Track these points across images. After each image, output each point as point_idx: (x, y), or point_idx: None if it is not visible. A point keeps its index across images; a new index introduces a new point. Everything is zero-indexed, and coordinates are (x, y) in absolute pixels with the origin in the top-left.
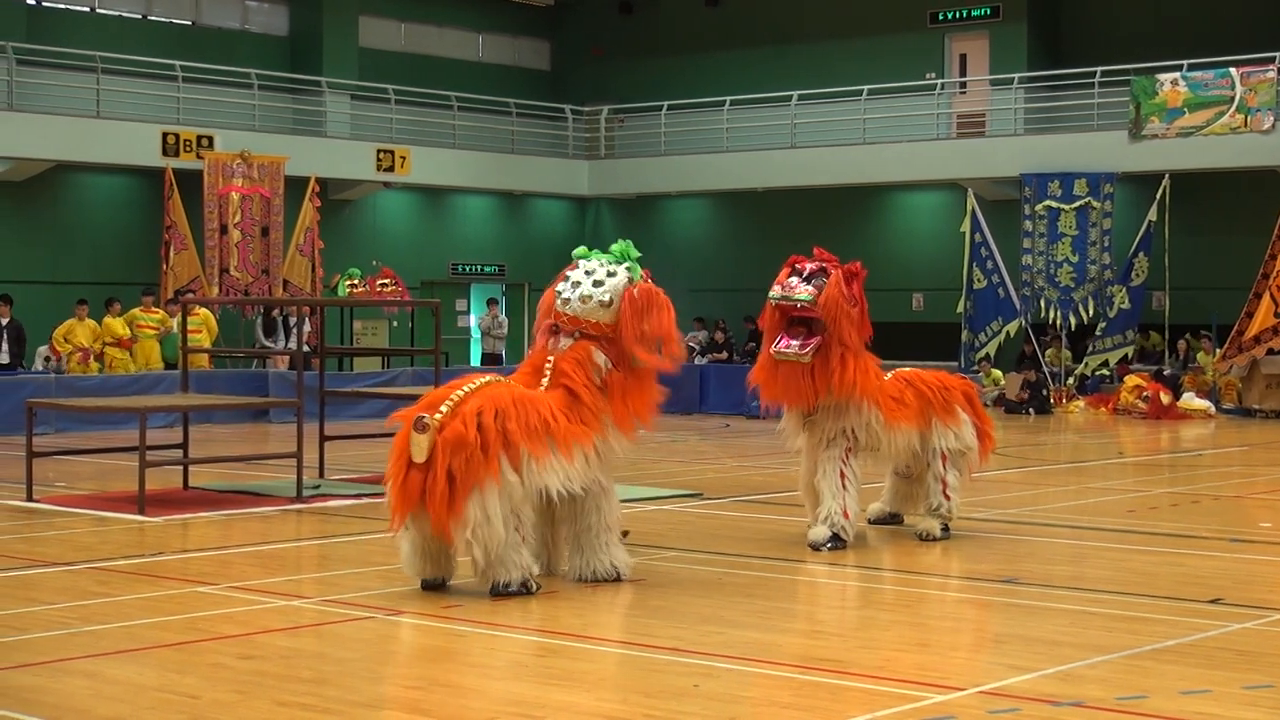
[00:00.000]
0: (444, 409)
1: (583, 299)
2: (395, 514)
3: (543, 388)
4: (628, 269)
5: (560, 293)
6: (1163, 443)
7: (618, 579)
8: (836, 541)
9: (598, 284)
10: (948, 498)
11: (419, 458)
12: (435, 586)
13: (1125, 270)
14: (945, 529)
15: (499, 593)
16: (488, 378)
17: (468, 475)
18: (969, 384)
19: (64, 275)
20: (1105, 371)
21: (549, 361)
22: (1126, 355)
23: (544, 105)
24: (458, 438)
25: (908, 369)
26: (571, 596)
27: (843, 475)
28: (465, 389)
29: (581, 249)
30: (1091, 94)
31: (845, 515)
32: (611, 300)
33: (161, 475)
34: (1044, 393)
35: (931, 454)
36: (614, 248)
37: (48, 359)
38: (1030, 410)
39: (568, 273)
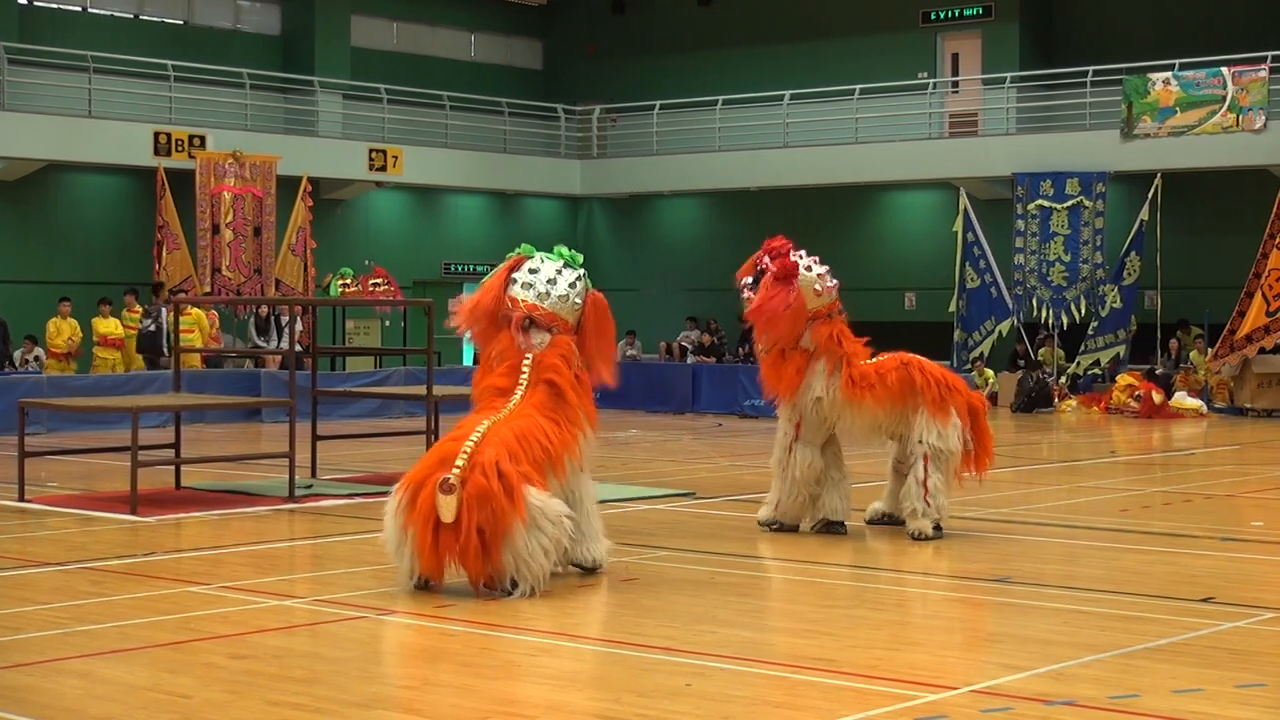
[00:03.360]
0: (460, 463)
1: (561, 298)
2: (426, 573)
3: (521, 386)
4: (583, 275)
5: (530, 284)
6: (1155, 442)
7: (595, 569)
8: (775, 525)
9: (572, 285)
10: (928, 503)
11: (448, 518)
12: (423, 587)
13: (1117, 270)
14: (938, 528)
15: (508, 593)
16: (485, 424)
17: (496, 527)
18: (979, 397)
19: (56, 275)
20: (1097, 371)
21: (526, 359)
22: (1118, 355)
23: (536, 105)
24: (481, 492)
25: (918, 357)
26: (564, 596)
27: (784, 463)
28: (474, 438)
29: (527, 246)
30: (1084, 93)
31: (775, 508)
32: (580, 303)
33: (154, 475)
34: (1044, 383)
35: (912, 454)
36: (561, 251)
37: (28, 360)
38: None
39: (526, 265)
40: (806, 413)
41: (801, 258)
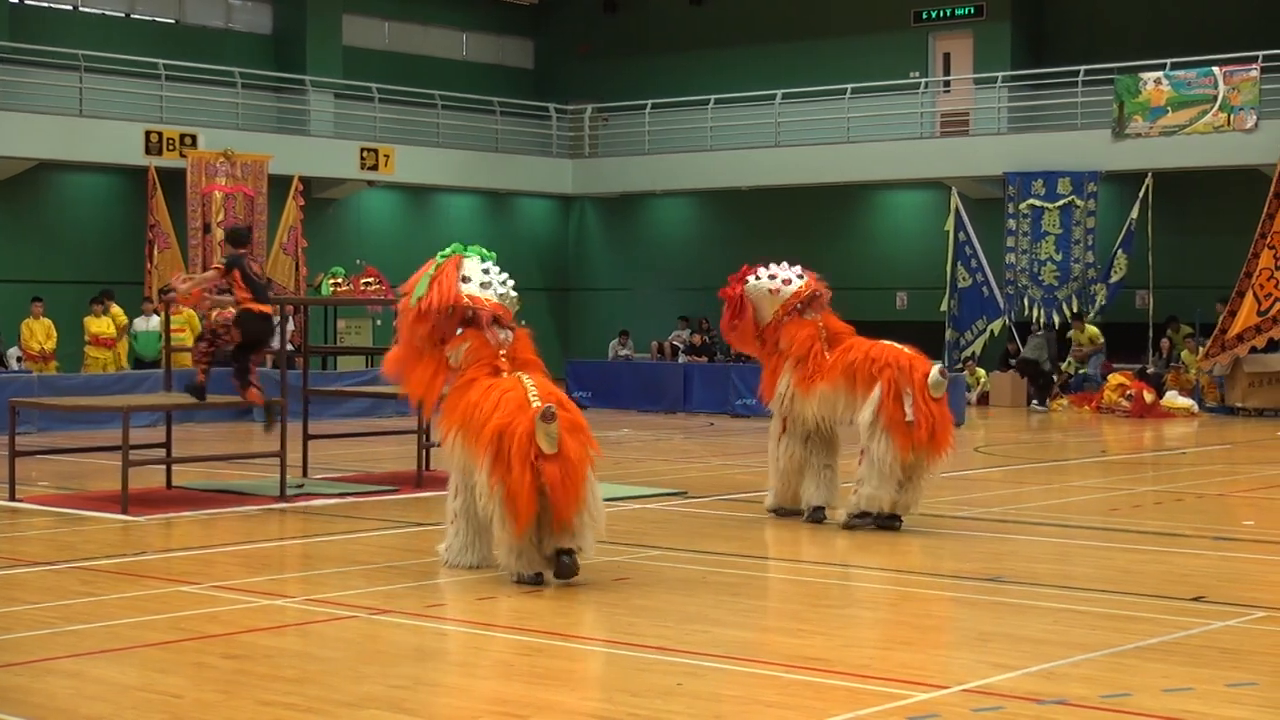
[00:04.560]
0: (536, 402)
1: (514, 299)
2: (526, 512)
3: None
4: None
5: (488, 284)
6: (1146, 441)
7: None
8: (778, 511)
9: (513, 284)
10: (856, 491)
11: (551, 448)
12: (534, 580)
13: (1107, 268)
14: (861, 515)
15: (526, 580)
16: (524, 375)
17: (583, 458)
18: (917, 363)
19: (47, 274)
20: (1087, 370)
21: (501, 354)
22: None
23: (528, 104)
24: (573, 420)
25: (870, 341)
26: (557, 595)
27: (774, 454)
28: (529, 384)
29: (457, 245)
30: (1075, 93)
31: (775, 495)
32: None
33: (145, 474)
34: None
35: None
36: (479, 250)
37: (19, 359)
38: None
39: (479, 266)
40: (780, 409)
41: (760, 271)
